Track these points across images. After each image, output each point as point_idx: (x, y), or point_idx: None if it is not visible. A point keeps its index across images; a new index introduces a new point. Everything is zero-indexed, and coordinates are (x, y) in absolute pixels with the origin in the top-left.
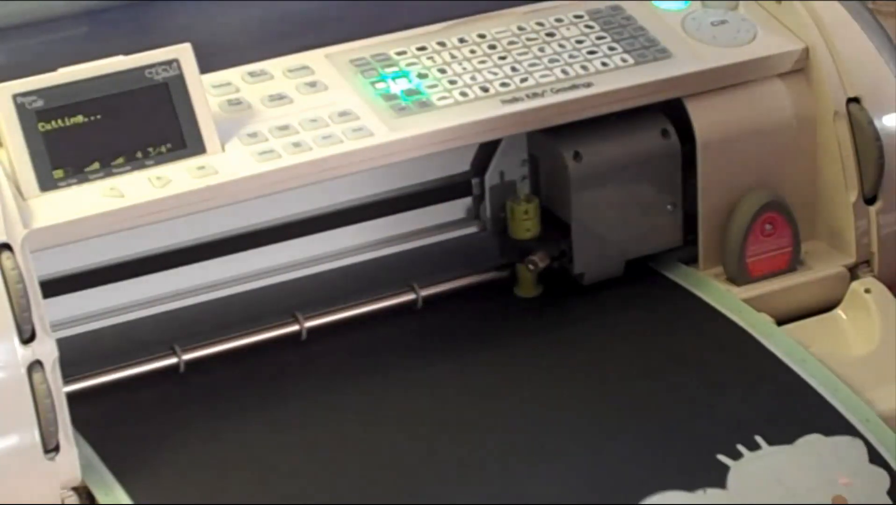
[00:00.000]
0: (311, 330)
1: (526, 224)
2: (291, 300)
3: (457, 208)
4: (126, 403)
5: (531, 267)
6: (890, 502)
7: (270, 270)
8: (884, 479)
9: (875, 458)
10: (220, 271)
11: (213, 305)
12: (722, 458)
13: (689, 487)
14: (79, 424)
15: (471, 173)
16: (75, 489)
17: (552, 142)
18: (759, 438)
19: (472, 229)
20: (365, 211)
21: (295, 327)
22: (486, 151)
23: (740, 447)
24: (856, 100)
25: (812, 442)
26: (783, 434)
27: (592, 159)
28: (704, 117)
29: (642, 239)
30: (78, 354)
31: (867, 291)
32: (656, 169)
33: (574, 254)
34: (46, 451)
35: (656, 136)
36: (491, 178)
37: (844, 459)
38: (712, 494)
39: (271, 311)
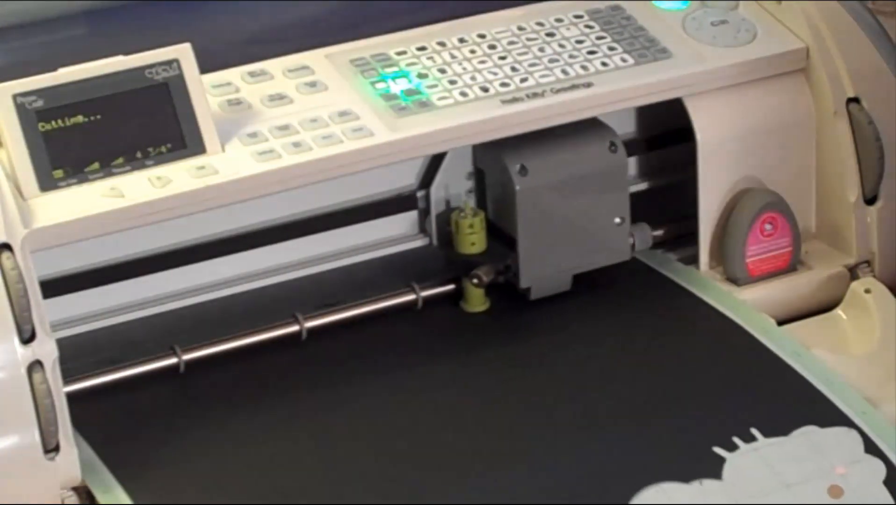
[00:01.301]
0: (311, 330)
1: (471, 238)
2: (291, 300)
3: (403, 222)
4: (126, 403)
5: (475, 282)
6: (886, 492)
7: (270, 270)
8: (880, 468)
9: (871, 448)
10: (220, 271)
11: (213, 304)
12: (718, 450)
13: (685, 478)
14: (79, 424)
15: (417, 186)
16: (75, 489)
17: (498, 155)
18: (754, 431)
19: (418, 243)
20: (309, 224)
21: (295, 327)
22: (432, 164)
23: (736, 439)
24: (856, 100)
25: (808, 433)
26: (779, 426)
27: (538, 173)
28: (704, 117)
29: (590, 253)
30: (78, 354)
31: (867, 291)
32: (604, 183)
33: (520, 268)
34: (46, 451)
35: (604, 150)
36: (436, 191)
37: (840, 450)
38: (708, 485)
39: (271, 311)
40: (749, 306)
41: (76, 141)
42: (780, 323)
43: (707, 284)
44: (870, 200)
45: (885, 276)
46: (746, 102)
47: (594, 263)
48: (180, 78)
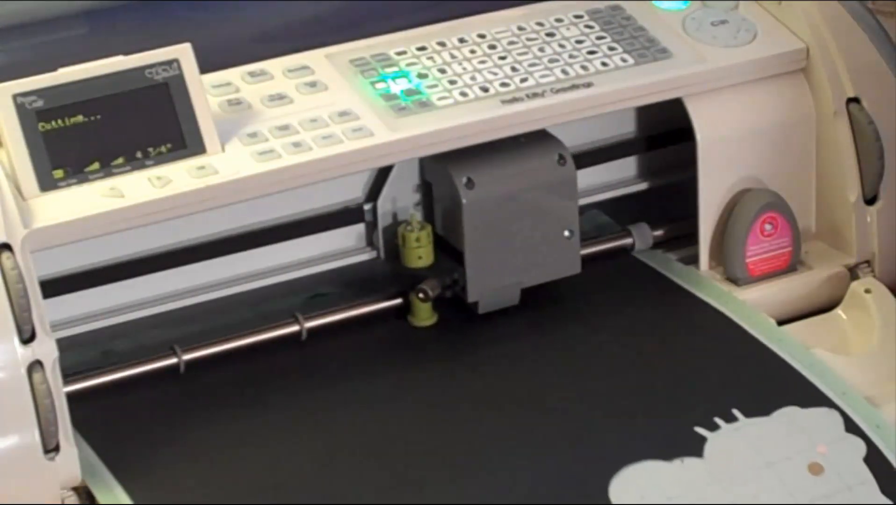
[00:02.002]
0: (311, 330)
1: (418, 252)
2: (291, 300)
3: (349, 235)
4: (126, 403)
5: (421, 296)
6: (866, 469)
7: (270, 270)
8: (860, 447)
9: (851, 427)
10: (220, 271)
11: (213, 305)
12: (699, 430)
13: (667, 457)
14: (79, 424)
15: (363, 199)
16: (75, 489)
17: (445, 168)
18: (736, 412)
19: (364, 256)
20: (258, 237)
21: (295, 327)
22: (379, 177)
23: (717, 420)
24: (856, 100)
25: (788, 414)
26: (760, 407)
27: (486, 186)
28: (704, 117)
29: (539, 266)
30: (78, 354)
31: (867, 291)
32: (552, 196)
33: (468, 282)
34: (46, 451)
35: (552, 163)
36: (383, 204)
37: (820, 429)
38: (689, 463)
39: (271, 311)
40: (749, 306)
41: (76, 141)
42: (780, 323)
43: (707, 284)
44: (870, 200)
45: (885, 276)
46: (746, 102)
47: (543, 276)
48: (180, 78)
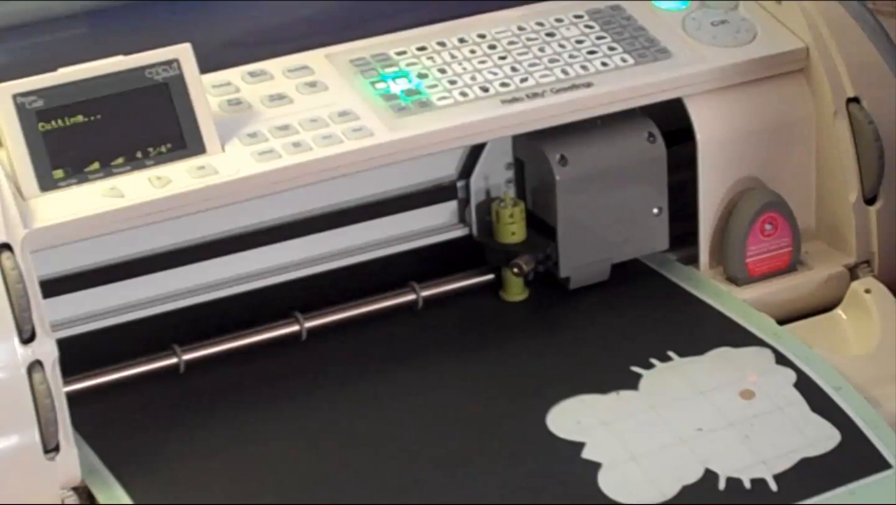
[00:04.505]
0: (311, 330)
1: (511, 228)
2: (291, 300)
3: (443, 212)
4: (126, 403)
5: (516, 271)
6: (797, 392)
7: (270, 270)
8: (790, 375)
9: (782, 360)
10: (220, 271)
11: (213, 305)
12: (635, 368)
13: (603, 391)
14: (79, 424)
15: (456, 176)
16: (75, 489)
17: (538, 146)
18: (671, 353)
19: (457, 233)
20: (350, 214)
21: (295, 327)
22: (473, 155)
23: (653, 360)
24: (856, 100)
25: (722, 353)
26: (694, 348)
27: (578, 163)
28: (704, 117)
29: (628, 243)
30: (78, 354)
31: (867, 291)
32: (642, 173)
33: (560, 258)
34: (46, 451)
35: (642, 141)
36: (476, 181)
37: (752, 363)
38: (624, 395)
39: (271, 311)
40: (749, 306)
41: (76, 141)
42: (780, 323)
43: (707, 284)
44: (870, 200)
45: (885, 276)
46: (746, 102)
47: (633, 252)
48: (180, 78)
